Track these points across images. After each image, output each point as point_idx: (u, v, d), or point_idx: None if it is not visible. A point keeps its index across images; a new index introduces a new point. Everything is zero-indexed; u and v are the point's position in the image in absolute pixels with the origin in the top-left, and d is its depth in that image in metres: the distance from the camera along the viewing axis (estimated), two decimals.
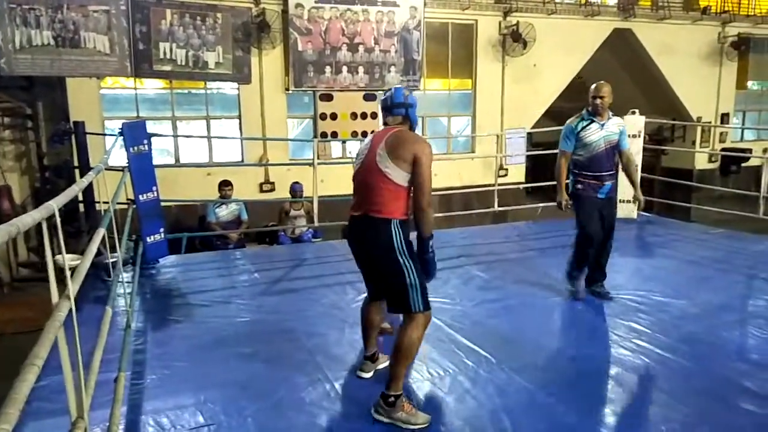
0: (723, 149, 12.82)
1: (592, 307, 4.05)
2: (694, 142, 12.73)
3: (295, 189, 7.48)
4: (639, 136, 6.63)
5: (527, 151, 10.41)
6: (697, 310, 3.89)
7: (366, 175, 2.65)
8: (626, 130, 4.22)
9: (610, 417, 2.67)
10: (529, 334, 3.61)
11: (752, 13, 13.26)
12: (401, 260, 2.56)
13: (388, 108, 2.75)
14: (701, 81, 12.56)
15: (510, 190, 8.93)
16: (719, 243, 5.89)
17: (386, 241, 2.56)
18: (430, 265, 2.69)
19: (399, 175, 2.55)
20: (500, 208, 7.38)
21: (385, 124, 2.77)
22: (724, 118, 13.16)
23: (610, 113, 4.13)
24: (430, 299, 2.64)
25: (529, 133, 10.70)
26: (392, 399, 2.55)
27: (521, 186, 9.73)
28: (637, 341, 3.45)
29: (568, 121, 4.19)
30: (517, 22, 10.50)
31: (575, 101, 12.36)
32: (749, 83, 13.93)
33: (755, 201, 6.39)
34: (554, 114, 11.87)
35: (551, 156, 10.98)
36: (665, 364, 3.17)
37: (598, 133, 4.05)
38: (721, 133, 13.13)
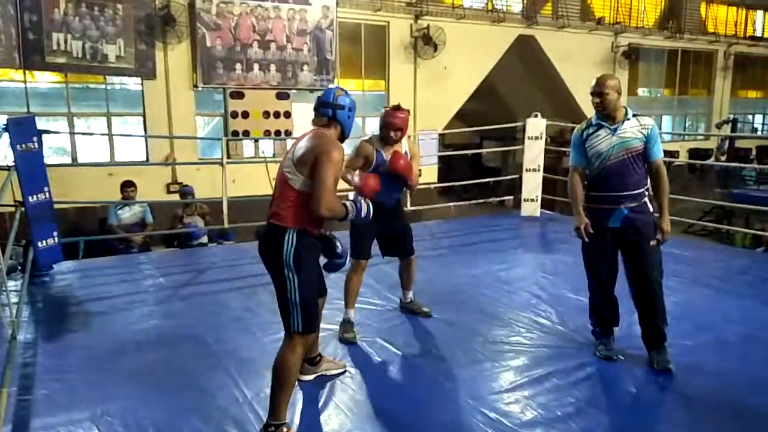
0: None
1: (498, 300, 4.21)
2: None
3: (185, 191, 7.07)
4: (541, 138, 6.98)
5: (439, 152, 10.67)
6: None
7: (278, 178, 2.54)
8: (656, 132, 3.09)
9: (508, 401, 2.79)
10: (439, 329, 3.70)
11: (641, 25, 14.38)
12: (286, 273, 2.41)
13: (315, 107, 2.61)
14: None
15: (422, 190, 9.11)
16: None
17: (277, 251, 2.41)
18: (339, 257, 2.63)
19: (298, 181, 2.41)
20: (413, 208, 7.51)
21: (313, 124, 2.64)
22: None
23: (630, 113, 3.12)
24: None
25: (440, 135, 11.00)
26: (272, 429, 2.40)
27: (433, 186, 9.97)
28: (539, 332, 3.64)
29: (576, 128, 3.30)
30: (428, 25, 10.76)
31: (484, 104, 12.92)
32: (639, 90, 15.11)
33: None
34: (464, 116, 12.28)
35: (462, 157, 11.43)
36: (563, 353, 3.35)
37: (607, 141, 3.08)
38: None
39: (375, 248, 3.70)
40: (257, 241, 6.99)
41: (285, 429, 2.42)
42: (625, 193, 3.09)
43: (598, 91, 3.07)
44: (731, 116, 15.42)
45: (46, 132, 5.07)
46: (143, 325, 3.77)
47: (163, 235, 7.26)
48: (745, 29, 16.69)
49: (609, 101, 3.07)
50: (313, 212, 2.38)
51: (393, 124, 3.44)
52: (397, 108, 3.50)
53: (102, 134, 8.83)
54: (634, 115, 3.12)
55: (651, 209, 3.16)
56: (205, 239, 6.89)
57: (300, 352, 2.49)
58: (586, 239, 3.16)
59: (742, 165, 11.27)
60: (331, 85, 2.95)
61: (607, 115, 3.11)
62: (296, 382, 2.60)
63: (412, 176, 3.46)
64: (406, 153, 3.55)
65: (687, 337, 3.53)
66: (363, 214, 2.60)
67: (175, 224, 6.94)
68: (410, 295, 3.95)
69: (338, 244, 2.63)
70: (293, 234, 2.41)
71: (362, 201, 2.61)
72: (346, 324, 3.53)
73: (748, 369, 3.16)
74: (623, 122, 3.10)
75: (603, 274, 3.23)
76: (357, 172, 3.45)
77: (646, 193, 3.15)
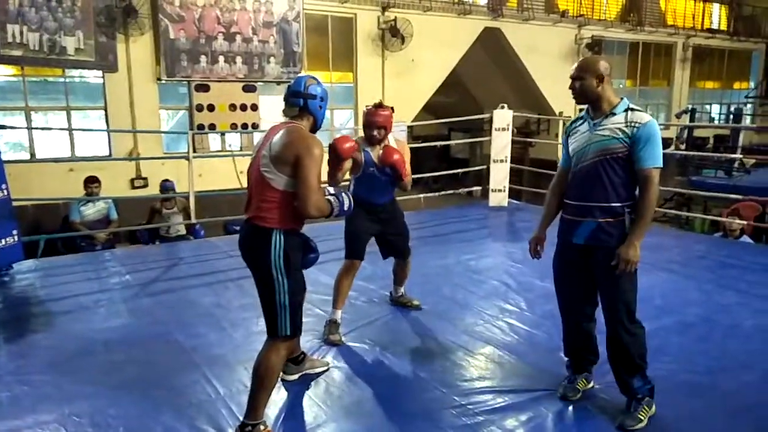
0: None
1: (468, 290, 4.27)
2: (557, 135, 13.82)
3: (166, 187, 7.02)
4: (507, 129, 7.07)
5: (408, 144, 10.69)
6: None
7: (252, 175, 2.42)
8: (651, 131, 2.41)
9: (479, 387, 2.84)
10: (410, 319, 3.74)
11: (603, 18, 14.66)
12: (275, 275, 2.33)
13: (286, 97, 2.49)
14: (562, 78, 13.40)
15: None
16: None
17: (263, 253, 2.33)
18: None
19: (281, 181, 2.32)
20: None
21: (284, 115, 2.53)
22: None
23: (622, 106, 2.49)
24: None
25: (409, 127, 11.04)
26: (249, 428, 2.36)
27: None
28: (508, 320, 3.70)
29: None
30: (395, 17, 10.75)
31: (451, 96, 12.99)
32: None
33: None
34: (432, 108, 12.34)
35: (431, 148, 11.49)
36: (531, 339, 3.43)
37: (584, 138, 2.55)
38: None
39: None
40: (226, 235, 6.89)
41: (262, 427, 2.39)
42: (590, 204, 2.51)
43: (572, 75, 2.57)
44: (690, 106, 15.87)
45: (3, 127, 4.91)
46: (110, 324, 3.70)
47: (129, 231, 7.12)
48: (703, 22, 17.17)
49: (583, 88, 2.52)
50: (302, 213, 2.33)
51: (375, 122, 3.38)
52: (379, 106, 3.43)
53: (62, 129, 8.57)
54: (627, 109, 2.48)
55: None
56: (183, 232, 6.80)
57: (284, 355, 2.45)
58: (533, 256, 2.82)
59: (701, 153, 11.60)
60: (301, 74, 2.82)
61: (592, 107, 2.57)
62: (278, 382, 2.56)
63: (405, 171, 3.39)
64: None
65: (650, 320, 3.58)
66: (345, 208, 2.54)
67: (153, 218, 6.84)
68: (402, 290, 3.97)
69: (310, 238, 2.61)
70: (280, 235, 2.34)
71: (344, 195, 2.55)
72: (332, 325, 3.42)
73: (707, 350, 3.29)
74: (607, 116, 2.50)
75: (564, 298, 2.74)
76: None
77: (626, 210, 2.49)
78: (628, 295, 2.53)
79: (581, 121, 2.63)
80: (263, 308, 2.43)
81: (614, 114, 2.49)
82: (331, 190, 2.55)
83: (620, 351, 2.55)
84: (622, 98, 2.54)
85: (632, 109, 2.48)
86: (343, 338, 3.40)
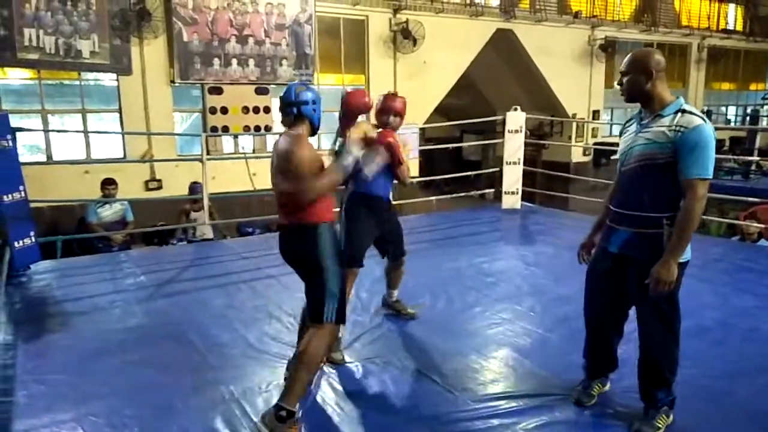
0: (595, 143, 13.98)
1: (481, 293, 4.25)
2: (570, 137, 13.75)
3: (195, 189, 7.10)
4: (520, 131, 7.04)
5: (420, 146, 10.71)
6: (572, 293, 4.20)
7: (276, 184, 2.55)
8: (698, 137, 2.17)
9: (493, 391, 2.82)
10: (423, 322, 3.72)
11: (617, 19, 14.56)
12: (326, 265, 2.49)
13: (280, 108, 2.60)
14: (575, 80, 13.59)
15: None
16: None
17: (312, 246, 2.48)
18: None
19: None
20: (395, 202, 7.52)
21: (282, 125, 2.65)
22: (596, 114, 14.36)
23: (674, 106, 2.26)
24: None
25: (421, 129, 11.04)
26: (283, 413, 2.37)
27: (415, 180, 9.99)
28: (521, 323, 3.68)
29: None
30: (407, 19, 10.75)
31: (464, 97, 12.96)
32: (616, 83, 15.28)
33: None
34: (444, 110, 12.32)
35: (443, 151, 11.49)
36: (545, 343, 3.41)
37: (629, 139, 2.39)
38: (593, 129, 14.32)
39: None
40: (240, 237, 6.92)
41: (294, 422, 2.40)
42: (627, 212, 2.36)
43: (620, 70, 2.36)
44: (705, 108, 15.71)
45: (20, 129, 4.97)
46: (125, 324, 3.73)
47: (144, 233, 7.18)
48: (718, 22, 16.98)
49: (629, 84, 2.32)
50: (308, 202, 2.44)
51: (392, 107, 3.30)
52: (395, 94, 3.39)
53: (78, 131, 8.66)
54: (678, 111, 2.24)
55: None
56: (210, 234, 6.84)
57: (329, 341, 2.61)
58: (579, 261, 2.71)
59: (717, 155, 11.48)
60: (292, 82, 2.81)
61: (642, 106, 2.35)
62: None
63: (401, 155, 3.21)
64: None
65: None
66: (374, 163, 2.68)
67: (181, 219, 6.92)
68: (396, 294, 3.84)
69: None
70: (326, 228, 2.52)
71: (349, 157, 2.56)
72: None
73: (725, 354, 3.25)
74: (655, 117, 2.28)
75: (592, 308, 2.63)
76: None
77: (666, 222, 2.29)
78: (665, 313, 2.38)
79: (632, 121, 2.43)
80: (309, 298, 2.57)
81: (662, 116, 2.27)
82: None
83: (651, 364, 2.45)
84: (678, 98, 2.31)
85: (683, 111, 2.23)
86: (345, 357, 3.17)
